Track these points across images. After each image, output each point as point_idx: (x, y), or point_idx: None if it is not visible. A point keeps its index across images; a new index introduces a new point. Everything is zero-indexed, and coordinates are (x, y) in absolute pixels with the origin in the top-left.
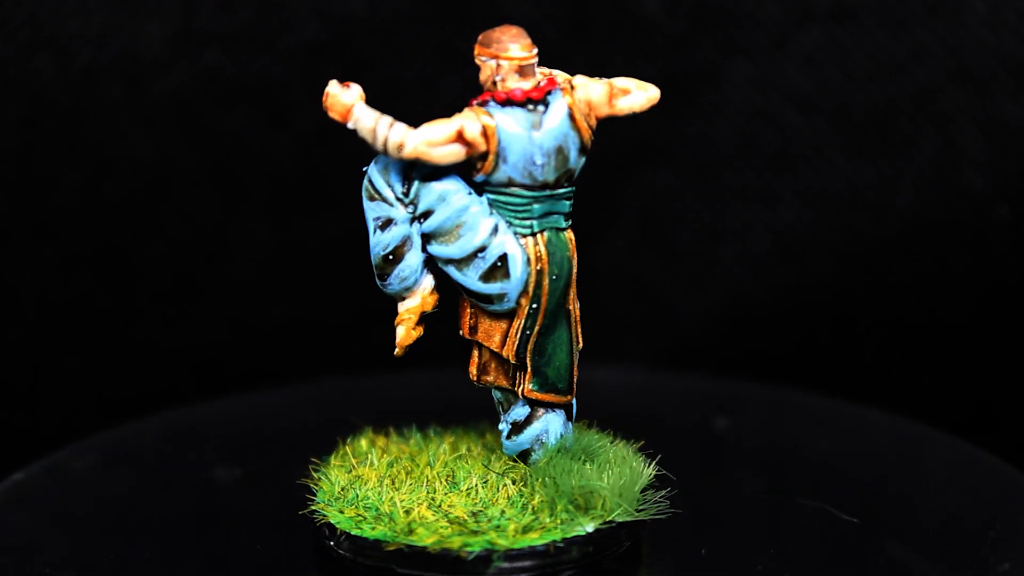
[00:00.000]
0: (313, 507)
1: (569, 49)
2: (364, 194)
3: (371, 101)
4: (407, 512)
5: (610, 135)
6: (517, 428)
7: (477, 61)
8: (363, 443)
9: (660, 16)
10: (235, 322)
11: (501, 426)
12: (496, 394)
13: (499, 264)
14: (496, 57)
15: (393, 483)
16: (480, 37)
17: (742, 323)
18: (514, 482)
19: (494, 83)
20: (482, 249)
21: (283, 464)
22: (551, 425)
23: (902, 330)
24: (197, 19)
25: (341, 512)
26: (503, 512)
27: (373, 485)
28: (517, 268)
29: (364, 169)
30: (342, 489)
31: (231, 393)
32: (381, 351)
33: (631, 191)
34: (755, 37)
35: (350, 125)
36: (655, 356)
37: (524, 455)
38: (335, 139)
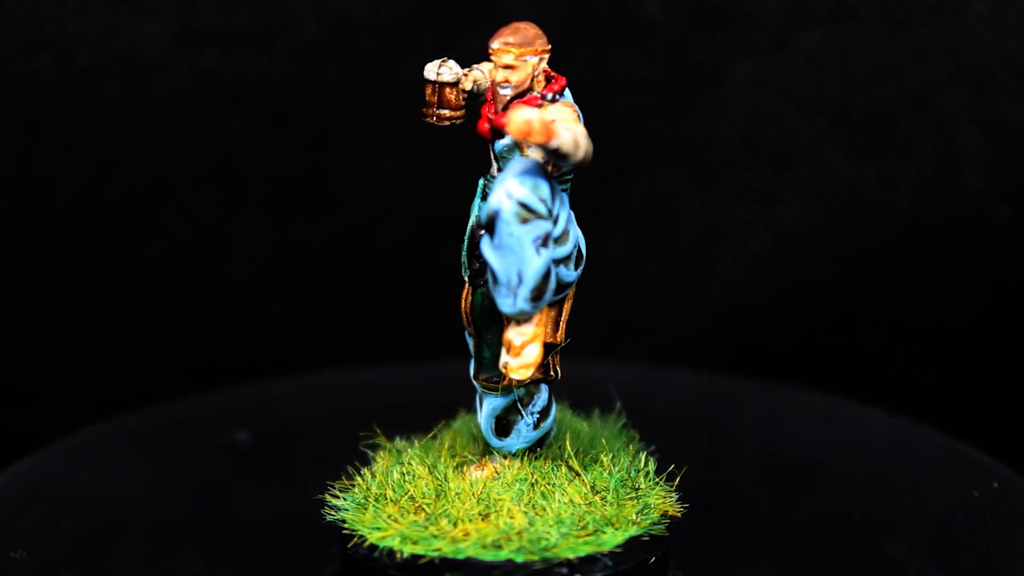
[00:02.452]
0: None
1: (569, 49)
2: (513, 219)
3: (371, 100)
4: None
5: (610, 135)
6: (544, 415)
7: (513, 63)
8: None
9: (660, 16)
10: (235, 322)
11: (525, 421)
12: (519, 392)
13: (579, 250)
14: (540, 53)
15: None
16: (511, 38)
17: (742, 322)
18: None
19: (532, 80)
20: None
21: (288, 463)
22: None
23: (902, 330)
24: (197, 19)
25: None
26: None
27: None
28: (584, 250)
29: (499, 203)
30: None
31: (231, 388)
32: (382, 351)
33: (631, 191)
34: (755, 37)
35: (552, 144)
36: (655, 355)
37: (543, 439)
38: (335, 139)
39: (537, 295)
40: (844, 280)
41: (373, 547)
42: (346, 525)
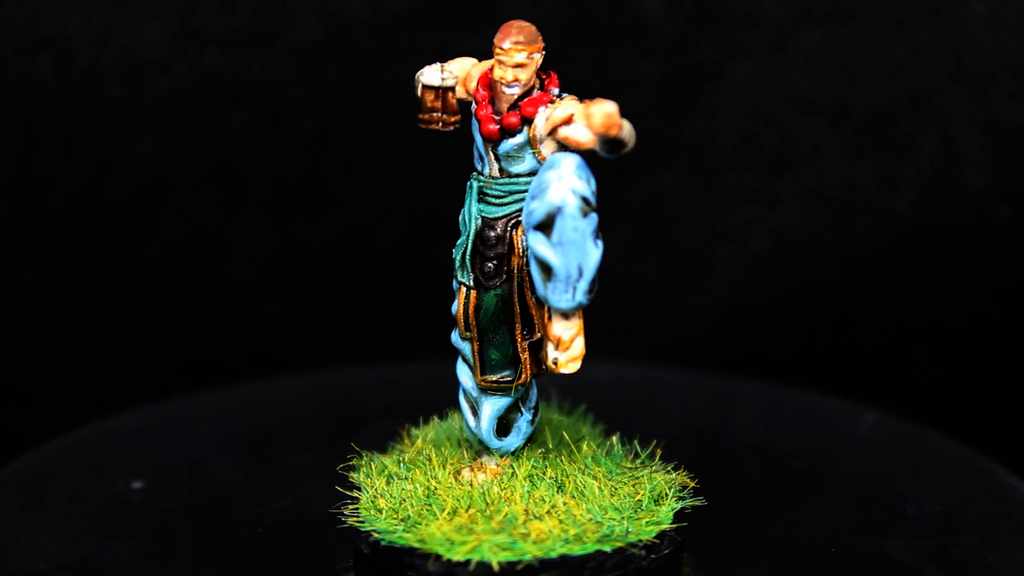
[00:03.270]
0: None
1: (569, 49)
2: (577, 214)
3: (371, 101)
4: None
5: None
6: (537, 409)
7: (524, 61)
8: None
9: (660, 16)
10: (235, 322)
11: (525, 418)
12: (518, 392)
13: None
14: (541, 50)
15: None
16: (520, 37)
17: (742, 323)
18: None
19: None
20: None
21: (289, 463)
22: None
23: (902, 330)
24: (197, 19)
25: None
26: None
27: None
28: None
29: (562, 198)
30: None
31: (231, 386)
32: (381, 350)
33: (631, 191)
34: (755, 37)
35: (623, 135)
36: (655, 356)
37: (534, 434)
38: (335, 139)
39: (593, 287)
40: (844, 280)
41: (453, 563)
42: (414, 544)
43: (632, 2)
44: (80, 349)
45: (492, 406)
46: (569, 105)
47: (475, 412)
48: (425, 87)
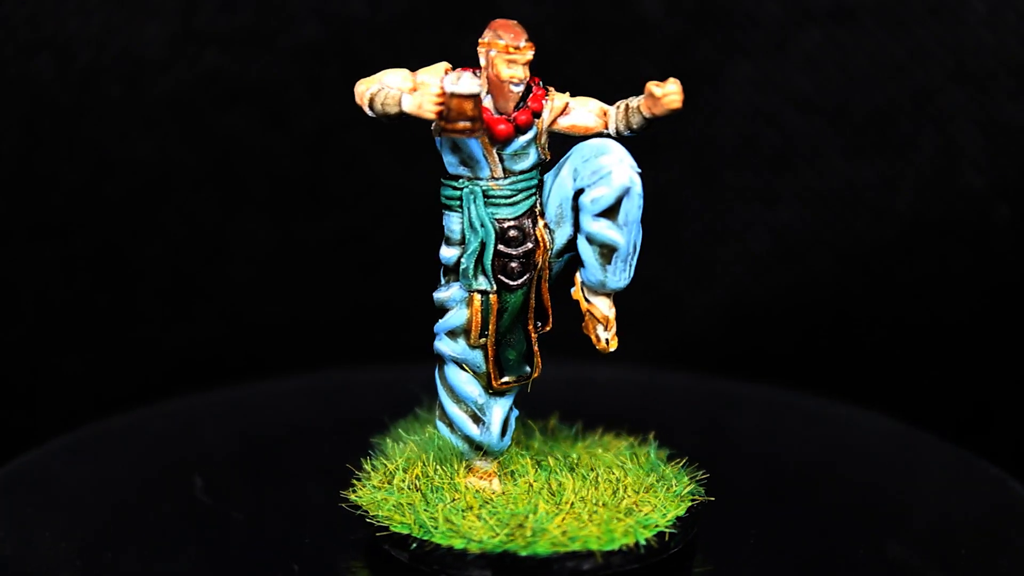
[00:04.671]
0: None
1: (569, 49)
2: (641, 191)
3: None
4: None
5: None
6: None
7: (530, 58)
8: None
9: (660, 16)
10: (235, 322)
11: (515, 414)
12: (515, 391)
13: None
14: None
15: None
16: (525, 34)
17: (742, 323)
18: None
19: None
20: None
21: (288, 463)
22: None
23: (902, 330)
24: (197, 19)
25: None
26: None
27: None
28: None
29: (629, 179)
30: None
31: (231, 387)
32: (380, 350)
33: None
34: (755, 37)
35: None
36: (655, 355)
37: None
38: (335, 139)
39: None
40: (844, 280)
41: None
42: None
43: (632, 2)
44: (80, 349)
45: (503, 407)
46: (559, 96)
47: (478, 420)
48: (465, 96)
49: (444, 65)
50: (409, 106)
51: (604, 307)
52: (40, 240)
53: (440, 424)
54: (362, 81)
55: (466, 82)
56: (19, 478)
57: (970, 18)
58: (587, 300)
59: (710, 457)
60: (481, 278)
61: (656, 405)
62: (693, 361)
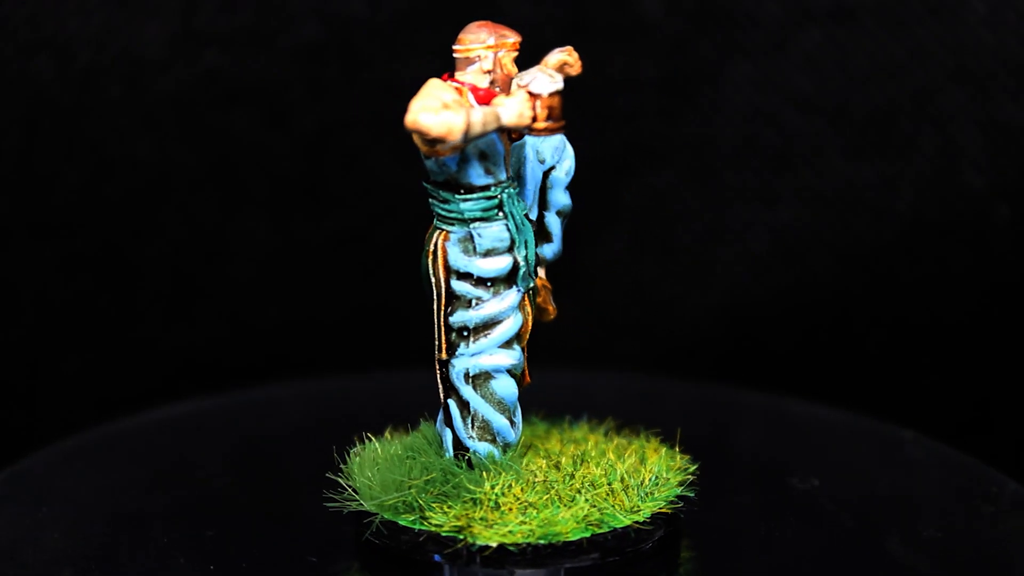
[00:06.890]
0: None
1: None
2: None
3: (371, 101)
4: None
5: (610, 135)
6: None
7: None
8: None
9: (660, 16)
10: (235, 322)
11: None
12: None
13: None
14: None
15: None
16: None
17: (742, 323)
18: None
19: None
20: None
21: (288, 463)
22: None
23: (902, 330)
24: (197, 19)
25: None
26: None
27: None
28: None
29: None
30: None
31: (231, 389)
32: (382, 351)
33: (631, 191)
34: (755, 37)
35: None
36: (654, 356)
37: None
38: (335, 139)
39: None
40: (844, 281)
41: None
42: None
43: (632, 2)
44: (80, 349)
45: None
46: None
47: (512, 422)
48: (552, 94)
49: (437, 81)
50: (509, 118)
51: (544, 275)
52: (40, 240)
53: (473, 443)
54: (427, 109)
55: (547, 81)
56: (19, 479)
57: (970, 18)
58: (539, 276)
59: (710, 457)
60: (535, 274)
61: (656, 405)
62: (693, 360)
